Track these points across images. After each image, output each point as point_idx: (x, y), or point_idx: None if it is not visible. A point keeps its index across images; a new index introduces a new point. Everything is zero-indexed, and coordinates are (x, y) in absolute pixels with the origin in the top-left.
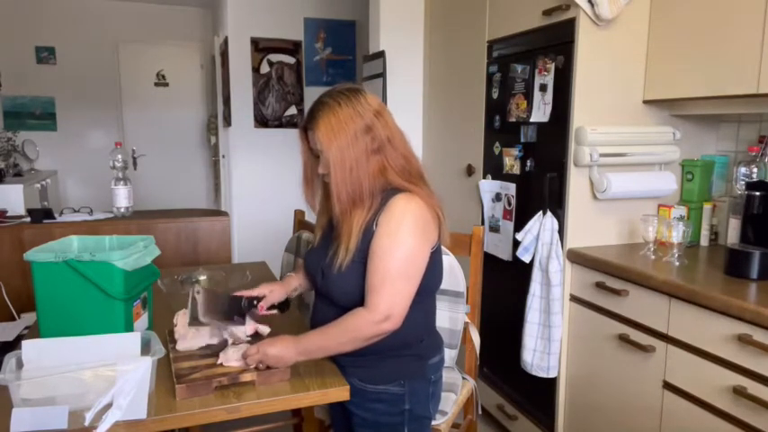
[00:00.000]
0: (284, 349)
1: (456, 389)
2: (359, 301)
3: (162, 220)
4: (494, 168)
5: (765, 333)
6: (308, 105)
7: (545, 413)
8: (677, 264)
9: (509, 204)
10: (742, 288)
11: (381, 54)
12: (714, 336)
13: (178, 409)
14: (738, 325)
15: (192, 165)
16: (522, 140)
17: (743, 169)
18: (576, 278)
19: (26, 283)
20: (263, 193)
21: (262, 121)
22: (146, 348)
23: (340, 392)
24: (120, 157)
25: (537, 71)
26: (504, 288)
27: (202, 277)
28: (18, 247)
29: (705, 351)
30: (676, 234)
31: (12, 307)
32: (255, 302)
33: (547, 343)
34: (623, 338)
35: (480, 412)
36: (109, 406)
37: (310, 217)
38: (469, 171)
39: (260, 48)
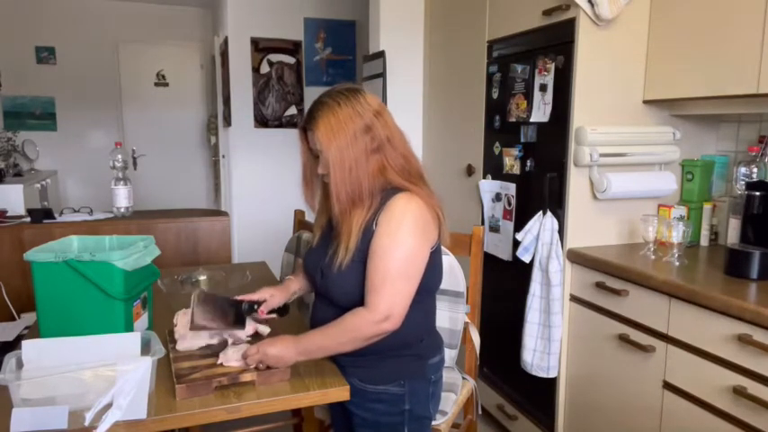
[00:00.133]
0: (284, 349)
1: (456, 389)
2: (358, 300)
3: (162, 220)
4: (494, 168)
5: (765, 333)
6: (307, 105)
7: (545, 413)
8: (677, 264)
9: (509, 204)
10: (742, 288)
11: (381, 54)
12: (714, 336)
13: (178, 409)
14: (738, 325)
15: (191, 165)
16: (522, 140)
17: (743, 169)
18: (576, 278)
19: (26, 283)
20: (263, 193)
21: (262, 121)
22: (146, 348)
23: (340, 392)
24: (120, 157)
25: (537, 71)
26: (504, 288)
27: (202, 277)
28: (18, 247)
29: (705, 351)
30: (676, 234)
31: (12, 307)
32: (256, 307)
33: (547, 343)
34: (623, 338)
35: (480, 412)
36: (109, 406)
37: (310, 217)
38: (469, 171)
39: (260, 48)
